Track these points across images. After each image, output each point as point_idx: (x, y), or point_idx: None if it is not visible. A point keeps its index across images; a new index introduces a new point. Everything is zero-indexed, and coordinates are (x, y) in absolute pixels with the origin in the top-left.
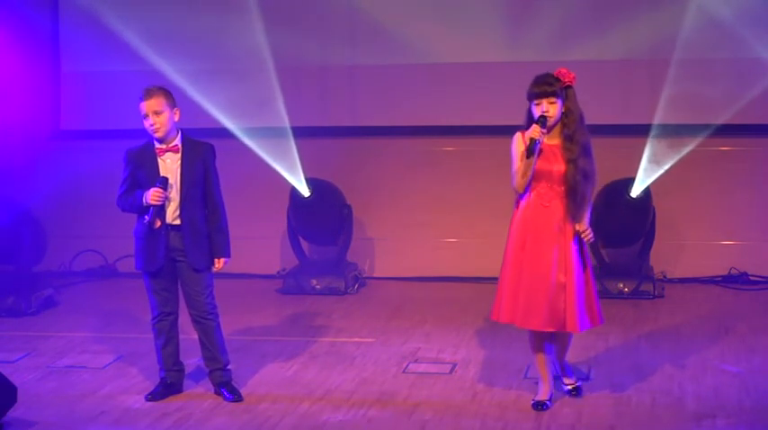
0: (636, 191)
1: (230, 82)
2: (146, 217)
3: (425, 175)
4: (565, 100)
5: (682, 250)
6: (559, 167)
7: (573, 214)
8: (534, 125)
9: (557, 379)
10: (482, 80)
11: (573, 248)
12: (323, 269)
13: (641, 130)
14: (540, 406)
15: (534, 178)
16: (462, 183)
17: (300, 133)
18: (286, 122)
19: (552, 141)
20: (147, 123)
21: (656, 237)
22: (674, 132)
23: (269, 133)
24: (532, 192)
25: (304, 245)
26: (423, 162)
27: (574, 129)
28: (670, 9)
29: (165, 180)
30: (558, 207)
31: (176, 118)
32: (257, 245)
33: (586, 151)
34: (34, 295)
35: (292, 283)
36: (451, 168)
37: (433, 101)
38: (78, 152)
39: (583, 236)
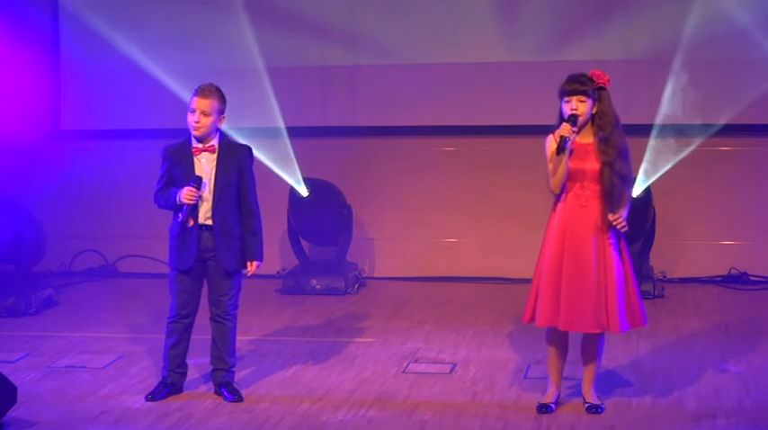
0: (637, 191)
1: (229, 82)
2: (179, 215)
3: (425, 175)
4: (597, 101)
5: (682, 250)
6: (593, 166)
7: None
8: (564, 123)
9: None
10: (482, 80)
11: (612, 247)
12: (323, 269)
13: (641, 130)
14: (544, 408)
15: (569, 178)
16: (462, 183)
17: (301, 133)
18: (286, 123)
19: (585, 140)
20: (190, 118)
21: (656, 237)
22: (674, 133)
23: (269, 133)
24: (569, 193)
25: (304, 245)
26: (423, 162)
27: (610, 132)
28: (670, 9)
29: (200, 179)
30: (595, 206)
31: (220, 124)
32: None
33: (622, 154)
34: (34, 295)
35: (292, 283)
36: (452, 168)
37: (433, 101)
38: (78, 152)
39: (615, 222)
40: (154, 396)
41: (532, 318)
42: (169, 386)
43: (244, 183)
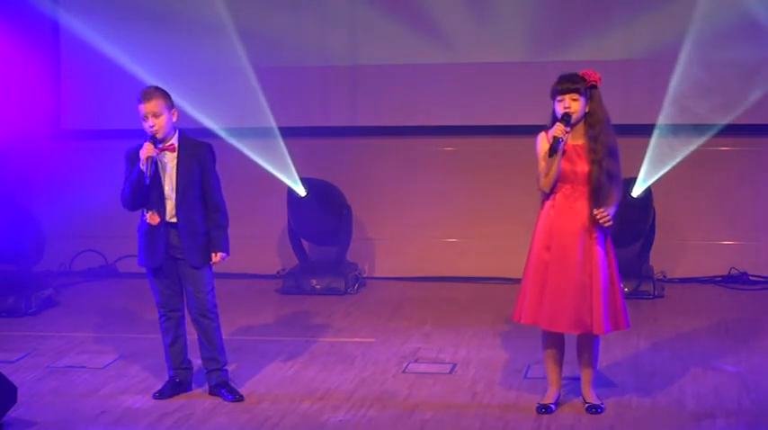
0: (637, 191)
1: (229, 82)
2: (144, 172)
3: (425, 175)
4: (589, 100)
5: (682, 250)
6: (583, 168)
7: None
8: (558, 123)
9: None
10: (482, 80)
11: (598, 249)
12: (323, 269)
13: (642, 131)
14: (544, 409)
15: (560, 179)
16: (463, 184)
17: (301, 133)
18: (286, 122)
19: (576, 142)
20: (146, 125)
21: (656, 237)
22: (674, 133)
23: (268, 133)
24: (557, 193)
25: (304, 245)
26: (423, 162)
27: (599, 131)
28: (671, 9)
29: (154, 137)
30: (582, 207)
31: (174, 118)
32: (257, 245)
33: (611, 153)
34: (34, 295)
35: (292, 283)
36: (452, 168)
37: (433, 101)
38: (78, 152)
39: (599, 217)
40: (162, 394)
41: (521, 317)
42: (177, 384)
43: (207, 180)
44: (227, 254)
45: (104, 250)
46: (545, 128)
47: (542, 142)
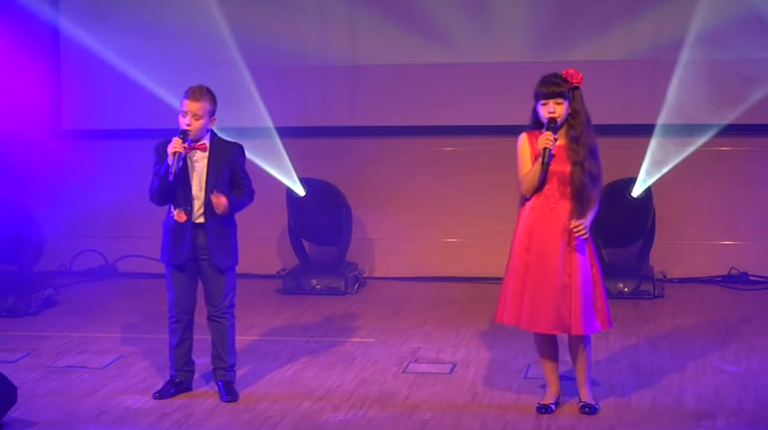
0: (637, 191)
1: (229, 80)
2: (170, 168)
3: (425, 175)
4: (571, 101)
5: (682, 250)
6: (565, 168)
7: (578, 215)
8: (546, 132)
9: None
10: (482, 80)
11: (578, 249)
12: (323, 269)
13: (642, 131)
14: (544, 409)
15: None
16: (462, 184)
17: (301, 133)
18: (286, 122)
19: (558, 142)
20: (182, 121)
21: (656, 237)
22: (674, 132)
23: (268, 133)
24: (537, 194)
25: (304, 244)
26: (423, 162)
27: (580, 131)
28: (670, 9)
29: (185, 132)
30: (563, 208)
31: (211, 125)
32: (257, 245)
33: (593, 153)
34: (34, 295)
35: (292, 283)
36: (452, 168)
37: (433, 101)
38: (78, 152)
39: (574, 230)
40: (162, 394)
41: (503, 318)
42: (177, 385)
43: (237, 179)
44: (230, 207)
45: (104, 250)
46: (526, 128)
47: (524, 144)
